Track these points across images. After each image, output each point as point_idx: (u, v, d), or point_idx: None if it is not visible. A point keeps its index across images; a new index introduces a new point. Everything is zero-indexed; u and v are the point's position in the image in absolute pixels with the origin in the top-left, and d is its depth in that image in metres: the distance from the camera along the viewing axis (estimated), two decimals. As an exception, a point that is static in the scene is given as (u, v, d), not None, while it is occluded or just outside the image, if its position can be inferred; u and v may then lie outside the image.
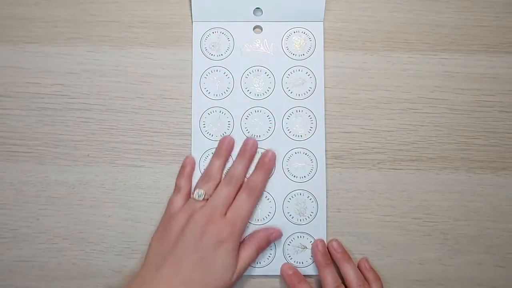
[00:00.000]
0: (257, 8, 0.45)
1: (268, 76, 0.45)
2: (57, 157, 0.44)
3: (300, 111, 0.44)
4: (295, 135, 0.44)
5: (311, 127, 0.44)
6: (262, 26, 0.45)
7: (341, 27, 0.46)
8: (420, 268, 0.43)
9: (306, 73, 0.44)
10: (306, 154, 0.43)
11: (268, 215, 0.43)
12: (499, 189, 0.44)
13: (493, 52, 0.46)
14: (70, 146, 0.44)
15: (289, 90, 0.44)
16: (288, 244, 0.42)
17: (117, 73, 0.45)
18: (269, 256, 0.42)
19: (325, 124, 0.44)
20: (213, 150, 0.43)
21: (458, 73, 0.45)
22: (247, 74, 0.45)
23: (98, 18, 0.46)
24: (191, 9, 0.45)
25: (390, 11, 0.47)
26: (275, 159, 0.42)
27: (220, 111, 0.44)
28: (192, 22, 0.46)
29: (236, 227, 0.38)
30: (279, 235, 0.42)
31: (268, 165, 0.42)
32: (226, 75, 0.45)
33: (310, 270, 0.42)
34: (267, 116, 0.44)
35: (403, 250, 0.43)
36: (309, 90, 0.44)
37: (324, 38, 0.45)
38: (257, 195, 0.41)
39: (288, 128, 0.44)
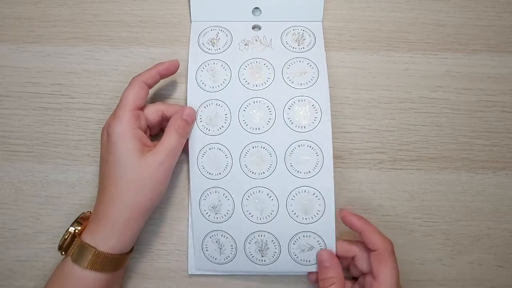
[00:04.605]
0: (255, 7, 0.45)
1: (268, 67, 0.43)
2: (57, 156, 0.44)
3: (303, 100, 0.41)
4: (298, 126, 0.41)
5: (315, 117, 0.41)
6: (261, 26, 0.45)
7: (342, 26, 0.46)
8: (421, 269, 0.42)
9: (308, 64, 0.43)
10: (310, 146, 0.41)
11: (271, 214, 0.41)
12: (500, 189, 0.43)
13: (495, 51, 0.46)
14: (70, 146, 0.44)
15: (290, 80, 0.42)
16: (294, 243, 0.40)
17: (117, 73, 0.45)
18: (274, 255, 0.40)
19: (331, 113, 0.41)
20: (211, 146, 0.41)
21: (459, 72, 0.45)
22: (245, 66, 0.43)
23: (98, 18, 0.46)
24: (190, 9, 0.45)
25: (390, 11, 0.47)
26: None
27: (217, 104, 0.42)
28: (190, 21, 0.45)
29: None
30: (192, 112, 0.41)
31: None
32: (223, 67, 0.43)
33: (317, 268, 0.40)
34: (267, 106, 0.42)
35: (404, 250, 0.43)
36: (312, 79, 0.42)
37: (324, 38, 0.45)
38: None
39: (290, 119, 0.41)
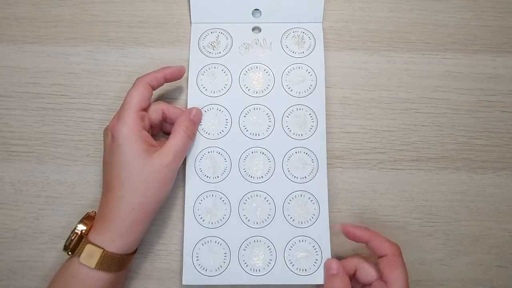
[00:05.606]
0: (256, 9, 0.45)
1: (268, 74, 0.44)
2: (57, 157, 0.44)
3: (301, 109, 0.43)
4: (295, 134, 0.43)
5: (312, 126, 0.43)
6: (261, 27, 0.45)
7: (342, 27, 0.46)
8: (421, 269, 0.42)
9: (306, 70, 0.44)
10: (306, 153, 0.42)
11: (268, 218, 0.41)
12: (500, 189, 0.43)
13: (495, 52, 0.46)
14: (70, 146, 0.44)
15: (289, 88, 0.43)
16: (289, 249, 0.40)
17: (117, 73, 0.45)
18: (269, 263, 0.40)
19: (326, 123, 0.43)
20: (210, 149, 0.42)
21: (459, 73, 0.45)
22: (246, 71, 0.44)
23: (98, 18, 0.46)
24: (190, 10, 0.45)
25: (391, 11, 0.47)
26: None
27: (218, 109, 0.43)
28: (190, 23, 0.45)
29: None
30: (199, 113, 0.42)
31: None
32: (224, 72, 0.44)
33: (314, 279, 0.39)
34: (267, 114, 0.43)
35: (404, 250, 0.42)
36: (310, 88, 0.43)
37: (325, 38, 0.45)
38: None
39: (288, 127, 0.43)
